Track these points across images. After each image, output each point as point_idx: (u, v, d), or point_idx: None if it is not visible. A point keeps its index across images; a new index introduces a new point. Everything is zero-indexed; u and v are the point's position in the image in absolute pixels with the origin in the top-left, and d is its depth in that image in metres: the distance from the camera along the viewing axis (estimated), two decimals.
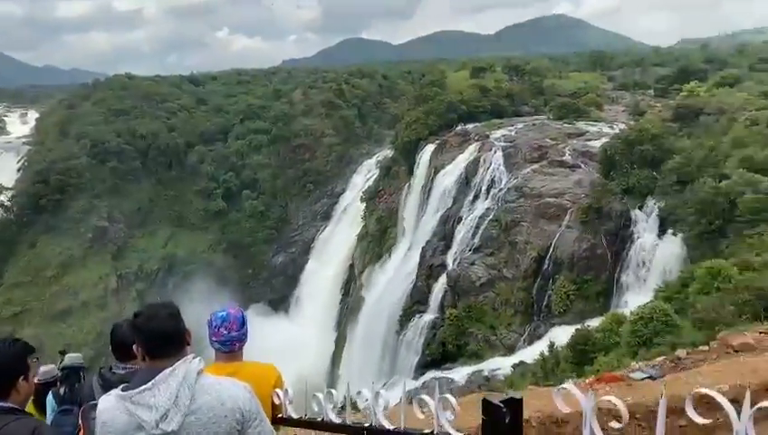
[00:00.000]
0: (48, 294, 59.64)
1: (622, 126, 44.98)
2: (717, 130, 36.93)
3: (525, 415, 6.19)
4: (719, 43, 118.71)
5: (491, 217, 39.44)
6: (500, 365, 32.26)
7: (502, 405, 2.54)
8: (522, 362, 30.34)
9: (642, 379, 13.71)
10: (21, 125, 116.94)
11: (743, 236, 27.43)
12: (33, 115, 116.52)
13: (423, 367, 37.61)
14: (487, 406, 2.57)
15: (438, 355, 37.37)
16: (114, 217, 66.39)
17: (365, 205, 61.10)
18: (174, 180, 72.79)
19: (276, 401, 4.14)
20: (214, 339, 4.13)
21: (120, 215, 67.04)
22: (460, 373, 33.83)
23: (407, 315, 40.85)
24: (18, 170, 73.43)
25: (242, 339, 4.21)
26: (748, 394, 2.05)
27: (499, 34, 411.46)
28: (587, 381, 16.01)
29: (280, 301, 66.44)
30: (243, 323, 4.18)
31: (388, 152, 63.08)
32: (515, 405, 2.54)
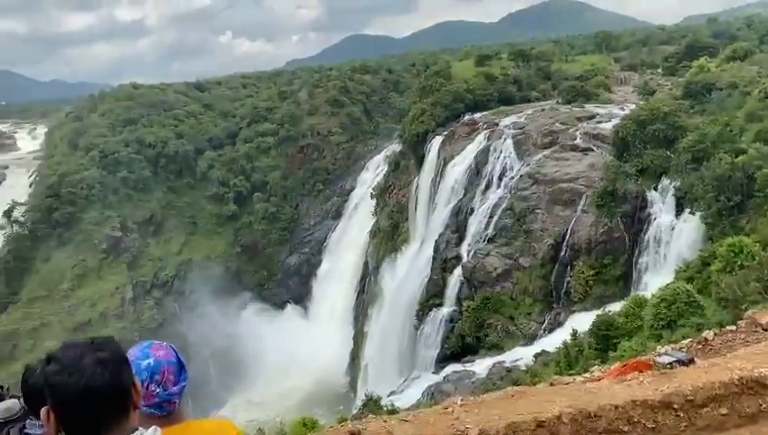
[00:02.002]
0: (66, 307, 59.93)
1: (633, 106, 44.25)
2: (731, 105, 36.17)
3: (556, 411, 5.86)
4: (726, 17, 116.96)
5: (504, 205, 38.96)
6: (521, 355, 31.85)
7: None
8: (543, 351, 29.88)
9: (670, 363, 13.23)
10: (31, 140, 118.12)
11: (763, 211, 26.78)
12: (42, 130, 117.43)
13: (443, 361, 37.27)
14: None
15: (458, 348, 37.02)
16: (127, 226, 66.57)
17: (375, 201, 60.80)
18: (185, 187, 72.92)
19: None
20: (143, 403, 2.57)
21: (133, 224, 67.22)
22: (481, 366, 33.44)
23: (423, 310, 40.51)
24: (30, 185, 73.95)
25: (181, 393, 2.79)
26: None
27: (503, 22, 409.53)
28: (613, 368, 15.58)
29: (296, 301, 66.41)
30: (181, 367, 2.80)
31: (396, 147, 62.71)
32: None
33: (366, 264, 58.51)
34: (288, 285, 67.85)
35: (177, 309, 62.28)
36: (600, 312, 26.84)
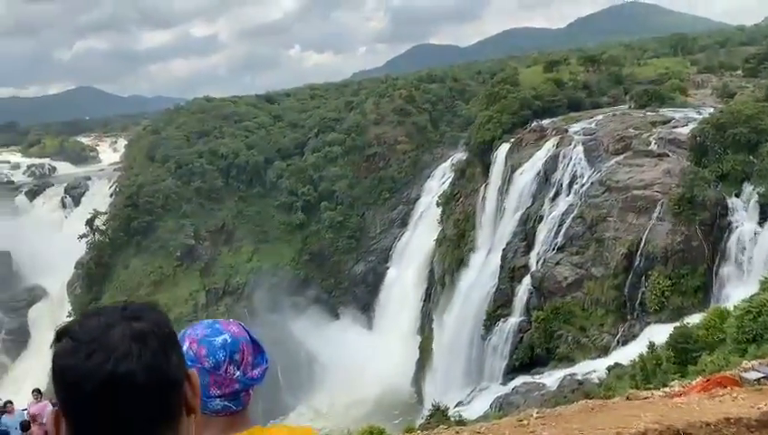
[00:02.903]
0: None
1: (711, 110, 42.38)
2: None
3: (641, 427, 5.59)
4: None
5: (574, 213, 38.00)
6: (594, 368, 30.86)
7: None
8: (617, 364, 28.86)
9: (758, 378, 12.46)
10: (112, 153, 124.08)
11: None
12: (122, 143, 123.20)
13: (511, 372, 36.62)
14: None
15: (527, 359, 36.30)
16: (201, 235, 68.79)
17: (441, 209, 60.52)
18: (255, 196, 74.74)
19: None
20: (217, 392, 2.16)
21: (206, 233, 69.41)
22: (551, 378, 32.64)
23: (491, 320, 39.93)
24: (111, 195, 77.49)
25: (262, 379, 2.26)
26: None
27: (571, 27, 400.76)
28: (695, 383, 14.85)
29: (363, 309, 66.80)
30: (258, 346, 2.29)
31: (461, 155, 62.28)
32: None
33: (432, 272, 58.25)
34: (355, 293, 68.36)
35: (247, 315, 63.73)
36: (677, 324, 25.80)
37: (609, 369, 29.11)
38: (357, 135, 74.98)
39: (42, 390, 17.65)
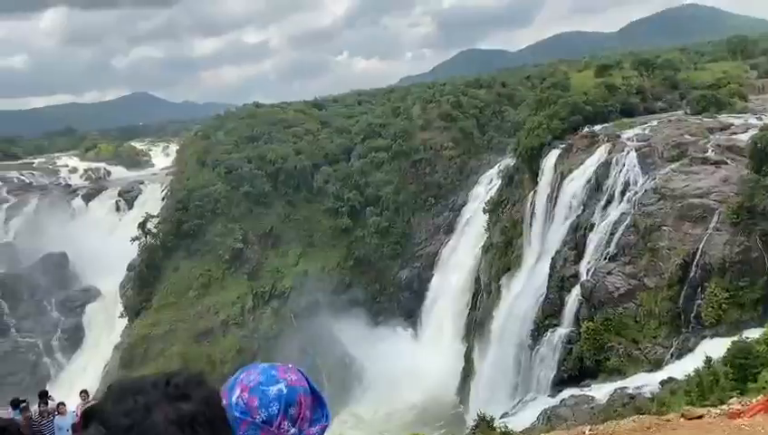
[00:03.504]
0: (192, 314, 63.60)
1: None
2: None
3: None
4: None
5: (627, 222, 36.93)
6: (646, 382, 29.84)
7: None
8: (671, 379, 27.85)
9: None
10: (164, 157, 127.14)
11: None
12: (173, 148, 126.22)
13: (559, 384, 35.76)
14: None
15: (576, 371, 35.39)
16: (248, 239, 69.73)
17: (488, 216, 59.83)
18: (302, 201, 75.39)
19: None
20: None
21: (254, 237, 70.32)
22: (601, 391, 31.72)
23: (539, 329, 39.11)
24: (162, 199, 79.34)
25: None
26: None
27: (623, 31, 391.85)
28: (756, 401, 14.07)
29: (407, 316, 66.51)
30: (318, 399, 2.08)
31: (509, 161, 61.47)
32: None
33: (478, 280, 57.58)
34: (399, 300, 68.15)
35: (294, 320, 64.25)
36: (735, 338, 24.72)
37: (663, 383, 28.13)
38: (403, 141, 74.89)
39: (89, 391, 18.04)
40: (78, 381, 59.05)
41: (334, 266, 70.24)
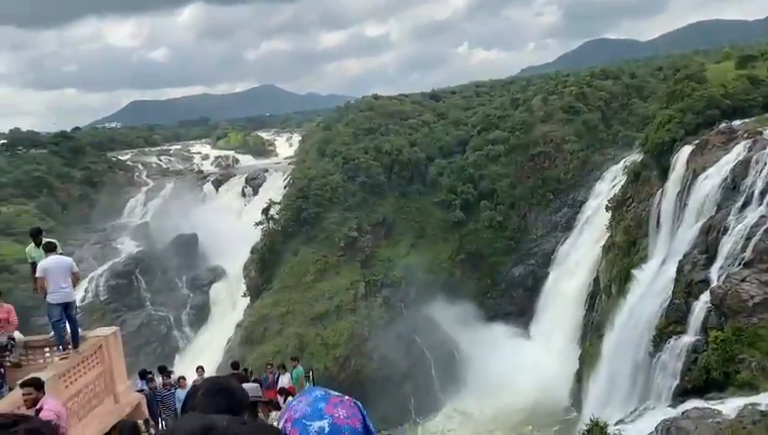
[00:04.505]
0: (308, 298, 66.00)
1: None
2: None
3: None
4: None
5: (766, 226, 33.86)
6: None
7: None
8: None
9: None
10: (288, 147, 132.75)
11: None
12: (296, 138, 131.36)
13: (682, 394, 33.54)
14: None
15: (700, 382, 33.02)
16: (363, 228, 71.18)
17: (611, 214, 57.08)
18: (415, 193, 75.84)
19: None
20: None
21: (367, 226, 71.69)
22: (729, 405, 29.36)
23: (661, 336, 36.88)
24: (284, 187, 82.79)
25: None
26: None
27: None
28: None
29: (519, 313, 65.13)
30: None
31: (636, 156, 58.28)
32: None
33: (597, 280, 55.28)
34: (511, 296, 66.84)
35: (403, 309, 64.92)
36: None
37: None
38: (522, 133, 73.12)
39: (206, 367, 19.30)
40: (203, 354, 63.23)
41: (445, 259, 70.12)
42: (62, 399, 10.22)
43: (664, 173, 47.02)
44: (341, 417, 1.79)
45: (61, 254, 12.34)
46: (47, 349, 13.58)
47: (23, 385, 9.07)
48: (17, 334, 12.79)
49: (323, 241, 70.03)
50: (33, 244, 12.33)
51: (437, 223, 72.53)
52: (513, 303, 66.28)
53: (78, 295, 12.44)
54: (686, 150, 44.63)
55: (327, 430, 1.76)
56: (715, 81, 51.26)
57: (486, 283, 68.67)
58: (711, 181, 39.73)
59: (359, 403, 1.89)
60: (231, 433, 1.11)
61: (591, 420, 28.98)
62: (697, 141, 44.32)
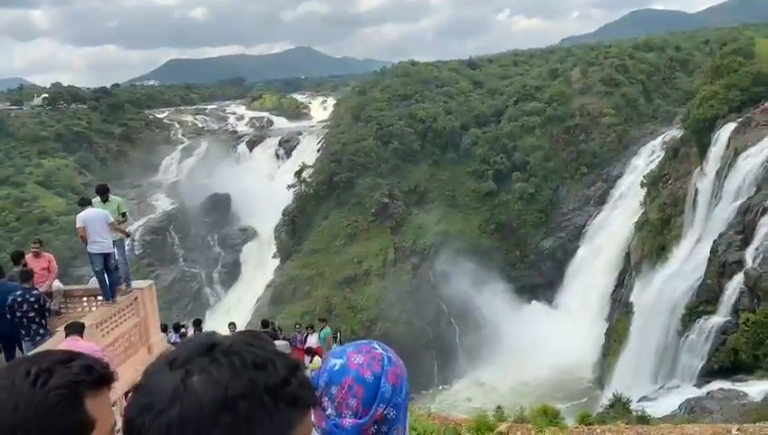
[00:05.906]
0: (337, 261, 66.73)
1: None
2: None
3: None
4: None
5: None
6: None
7: None
8: None
9: None
10: (322, 111, 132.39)
11: None
12: (331, 102, 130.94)
13: (708, 375, 33.37)
14: None
15: (728, 364, 32.79)
16: (394, 194, 71.26)
17: (646, 190, 56.11)
18: (448, 162, 75.40)
19: None
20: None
21: (399, 193, 71.75)
22: (755, 388, 29.15)
23: (691, 315, 36.57)
24: (318, 150, 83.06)
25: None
26: None
27: None
28: None
29: (547, 286, 64.88)
30: (377, 397, 1.79)
31: (676, 132, 56.93)
32: None
33: (628, 256, 54.68)
34: (540, 269, 66.54)
35: (432, 277, 65.21)
36: None
37: None
38: (558, 105, 71.81)
39: (237, 324, 19.82)
40: (232, 312, 64.69)
41: (475, 229, 69.95)
42: (99, 346, 10.67)
43: (704, 150, 45.96)
44: (356, 362, 1.82)
45: (108, 200, 12.90)
46: (85, 298, 14.11)
47: (67, 329, 9.49)
48: (57, 283, 13.28)
49: (354, 206, 70.39)
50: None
51: (469, 193, 72.20)
52: (542, 275, 66.01)
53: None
54: (729, 128, 43.49)
55: (336, 368, 1.80)
56: (764, 56, 49.52)
57: (516, 254, 68.43)
58: (753, 160, 38.77)
59: (392, 358, 1.90)
60: (233, 351, 1.23)
61: (615, 395, 29.02)
62: (741, 119, 43.16)
